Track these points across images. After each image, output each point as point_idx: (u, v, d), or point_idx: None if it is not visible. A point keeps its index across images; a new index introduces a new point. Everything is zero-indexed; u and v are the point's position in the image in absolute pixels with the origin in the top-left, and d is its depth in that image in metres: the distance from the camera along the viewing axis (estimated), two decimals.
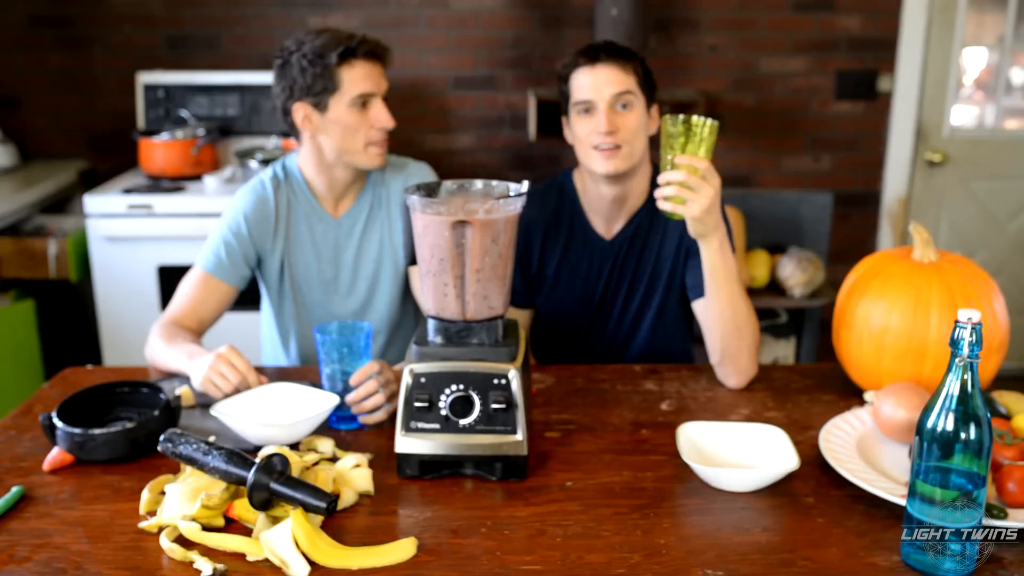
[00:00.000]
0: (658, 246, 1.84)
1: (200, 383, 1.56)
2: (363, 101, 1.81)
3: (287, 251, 1.94)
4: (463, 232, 1.31)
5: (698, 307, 1.76)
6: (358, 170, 1.90)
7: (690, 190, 1.49)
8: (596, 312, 1.89)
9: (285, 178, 1.95)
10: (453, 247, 1.32)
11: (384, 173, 1.97)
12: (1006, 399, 1.46)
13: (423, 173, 2.00)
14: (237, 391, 1.53)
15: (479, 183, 1.42)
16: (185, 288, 1.87)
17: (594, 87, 1.73)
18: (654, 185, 1.84)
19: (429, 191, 1.38)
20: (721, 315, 1.63)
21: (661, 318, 1.87)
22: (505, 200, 1.33)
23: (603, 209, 1.84)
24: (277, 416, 1.48)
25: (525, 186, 1.37)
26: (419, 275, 1.39)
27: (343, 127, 1.81)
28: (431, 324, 1.37)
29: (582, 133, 1.76)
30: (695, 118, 1.49)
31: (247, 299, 2.07)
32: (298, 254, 1.94)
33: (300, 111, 1.83)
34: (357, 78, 1.79)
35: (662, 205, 1.52)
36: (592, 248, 1.86)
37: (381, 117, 1.82)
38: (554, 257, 1.88)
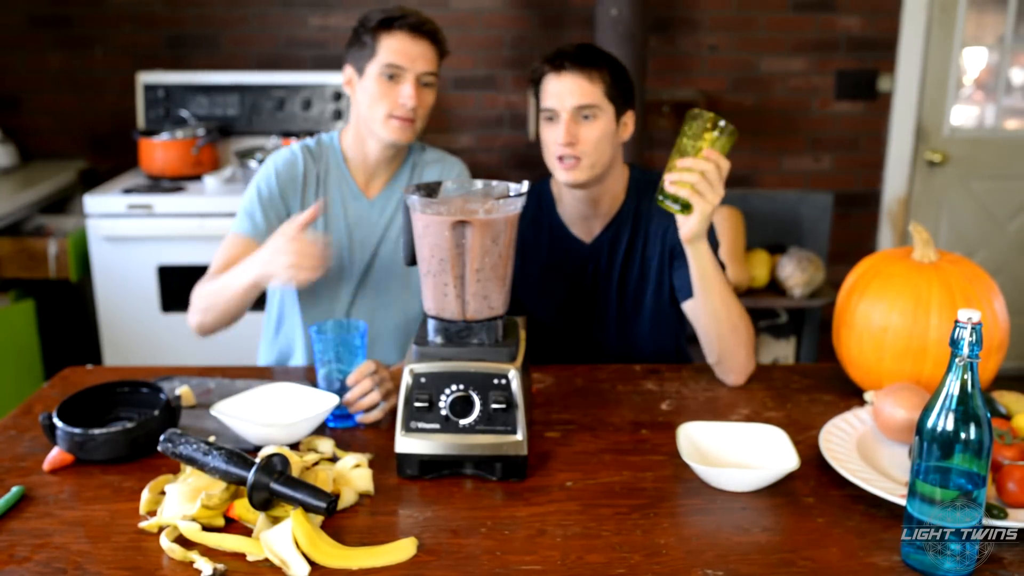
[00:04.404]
0: (641, 248, 1.83)
1: (287, 276, 1.58)
2: (391, 73, 1.79)
3: (322, 222, 1.90)
4: (463, 232, 1.31)
5: (688, 308, 1.75)
6: (389, 148, 1.87)
7: (709, 185, 1.49)
8: (587, 315, 1.88)
9: (319, 149, 1.93)
10: (453, 247, 1.32)
11: (423, 161, 1.97)
12: (1006, 399, 1.45)
13: (458, 170, 1.99)
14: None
15: (479, 183, 1.42)
16: (221, 254, 1.83)
17: (558, 96, 1.71)
18: (634, 186, 1.85)
19: (429, 191, 1.38)
20: (716, 314, 1.63)
21: (657, 320, 1.87)
22: (505, 200, 1.33)
23: (579, 213, 1.84)
24: (277, 416, 1.48)
25: (525, 186, 1.37)
26: (419, 275, 1.39)
27: (369, 94, 1.81)
28: (431, 324, 1.37)
29: (547, 141, 1.75)
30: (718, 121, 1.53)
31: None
32: (334, 231, 1.90)
33: (346, 72, 1.87)
34: (391, 49, 1.79)
35: (674, 190, 1.50)
36: (572, 252, 1.86)
37: (404, 93, 1.79)
38: (536, 262, 1.87)
